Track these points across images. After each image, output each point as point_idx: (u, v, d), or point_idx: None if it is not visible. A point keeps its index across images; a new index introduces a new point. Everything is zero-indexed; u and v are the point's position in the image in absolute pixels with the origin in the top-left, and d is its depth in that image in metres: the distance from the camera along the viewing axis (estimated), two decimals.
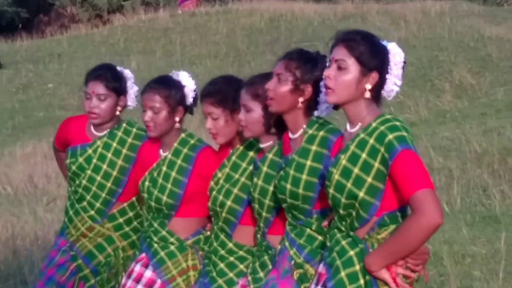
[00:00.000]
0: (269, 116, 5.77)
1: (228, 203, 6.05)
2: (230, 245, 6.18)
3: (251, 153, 6.17)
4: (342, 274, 4.94)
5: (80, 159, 6.65)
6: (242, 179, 6.09)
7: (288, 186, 5.40)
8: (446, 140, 20.70)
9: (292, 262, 5.49)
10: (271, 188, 5.78)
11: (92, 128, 6.69)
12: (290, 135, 5.56)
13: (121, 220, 6.85)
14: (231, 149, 6.29)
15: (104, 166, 6.65)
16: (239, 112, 5.93)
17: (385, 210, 4.88)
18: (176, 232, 6.42)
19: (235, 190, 6.06)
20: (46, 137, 21.81)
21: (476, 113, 23.72)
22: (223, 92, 6.26)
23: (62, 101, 15.08)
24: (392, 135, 4.76)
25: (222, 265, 6.25)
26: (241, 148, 6.17)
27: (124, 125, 6.71)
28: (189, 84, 6.58)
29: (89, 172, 6.69)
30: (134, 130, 6.72)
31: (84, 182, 6.65)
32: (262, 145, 5.92)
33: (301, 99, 5.38)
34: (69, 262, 6.74)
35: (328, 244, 5.20)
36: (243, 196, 5.98)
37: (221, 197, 6.12)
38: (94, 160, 6.64)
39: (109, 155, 6.68)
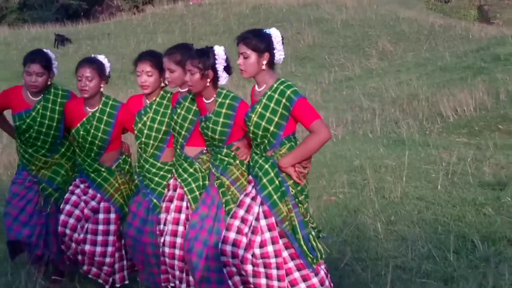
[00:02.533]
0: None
1: (160, 135, 6.18)
2: (159, 164, 6.26)
3: (165, 102, 6.27)
4: (264, 180, 5.40)
5: (28, 120, 6.48)
6: (165, 119, 6.20)
7: (210, 133, 5.74)
8: (372, 89, 21.01)
9: (215, 176, 5.82)
10: (185, 124, 6.01)
11: (29, 94, 6.56)
12: (205, 100, 5.85)
13: (63, 149, 6.77)
14: (147, 100, 6.34)
15: (46, 121, 6.54)
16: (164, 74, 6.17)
17: (284, 136, 5.45)
18: (104, 163, 6.45)
19: (163, 127, 6.18)
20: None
21: (393, 71, 24.14)
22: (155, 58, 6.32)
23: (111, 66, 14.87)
24: (289, 90, 5.33)
25: (156, 178, 6.22)
26: (158, 99, 6.26)
27: (52, 89, 6.66)
28: (105, 62, 6.48)
29: (36, 127, 6.52)
30: (60, 92, 6.69)
31: (34, 134, 6.54)
32: (181, 90, 6.15)
33: (208, 81, 5.70)
34: (35, 185, 6.66)
35: (250, 163, 5.62)
36: (168, 129, 6.15)
37: (154, 134, 6.22)
38: (39, 119, 6.50)
39: (48, 113, 6.57)
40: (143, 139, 6.24)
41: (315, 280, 5.36)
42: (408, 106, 17.16)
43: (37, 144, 6.55)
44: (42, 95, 6.54)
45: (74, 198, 6.36)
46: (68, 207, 6.32)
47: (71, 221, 6.25)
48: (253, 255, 5.34)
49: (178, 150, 6.10)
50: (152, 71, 6.17)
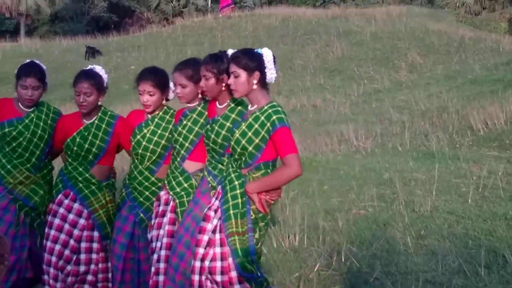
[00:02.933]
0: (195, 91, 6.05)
1: (158, 149, 6.21)
2: (153, 179, 6.29)
3: (167, 117, 6.30)
4: (229, 195, 5.44)
5: (20, 127, 6.39)
6: (166, 134, 6.24)
7: (213, 136, 5.74)
8: (401, 102, 20.88)
9: (209, 185, 5.79)
10: (190, 136, 6.01)
11: (20, 105, 6.47)
12: (218, 106, 5.90)
13: (45, 171, 6.74)
14: (148, 115, 6.36)
15: (39, 131, 6.48)
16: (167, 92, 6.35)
17: (262, 160, 5.44)
18: (96, 176, 6.40)
19: (163, 141, 6.22)
20: (130, 103, 21.81)
21: (422, 83, 23.93)
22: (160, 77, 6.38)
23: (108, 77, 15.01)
24: (275, 116, 5.29)
25: (147, 193, 6.28)
26: (161, 113, 6.30)
27: (45, 103, 6.64)
28: (103, 74, 6.52)
29: (28, 135, 6.43)
30: (52, 108, 6.67)
31: (24, 143, 6.45)
32: (189, 105, 6.16)
33: (223, 85, 5.74)
34: (11, 203, 6.45)
35: (224, 174, 5.66)
36: (168, 145, 6.19)
37: (151, 146, 6.25)
38: (32, 127, 6.45)
39: (41, 123, 6.51)
40: (140, 151, 6.27)
41: None
42: (438, 119, 17.02)
43: (25, 155, 6.46)
44: (35, 107, 6.50)
45: (57, 221, 6.29)
46: (53, 232, 6.28)
47: (57, 247, 6.23)
48: (202, 267, 5.43)
49: (176, 163, 6.11)
50: (153, 91, 6.20)
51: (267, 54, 5.40)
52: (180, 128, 6.10)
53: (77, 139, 6.29)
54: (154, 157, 6.26)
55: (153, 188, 6.31)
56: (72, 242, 6.25)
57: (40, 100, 6.53)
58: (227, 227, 5.35)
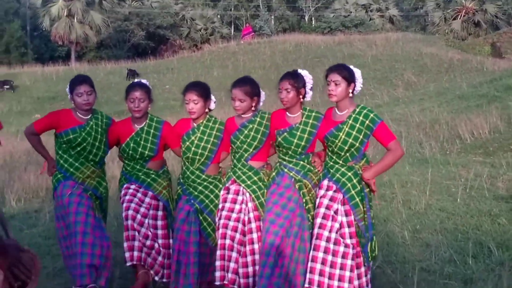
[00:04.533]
0: (251, 105, 6.07)
1: (206, 153, 6.15)
2: (203, 176, 6.26)
3: (210, 124, 6.23)
4: (349, 185, 5.57)
5: (83, 133, 6.39)
6: (211, 139, 6.18)
7: (295, 140, 5.79)
8: (398, 115, 20.54)
9: (293, 180, 5.82)
10: (254, 143, 5.99)
11: (79, 114, 6.45)
12: (289, 115, 5.93)
13: (104, 166, 6.83)
14: (194, 123, 6.30)
15: (98, 136, 6.47)
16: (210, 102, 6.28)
17: (364, 151, 5.71)
18: (152, 168, 6.44)
19: (209, 146, 6.14)
20: (165, 117, 21.21)
21: (417, 99, 23.87)
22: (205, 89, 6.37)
23: (174, 95, 14.71)
24: (372, 114, 5.60)
25: (200, 187, 6.23)
26: (205, 122, 6.22)
27: (99, 112, 6.64)
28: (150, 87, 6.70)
29: (91, 140, 6.42)
30: (104, 115, 6.66)
31: (88, 147, 6.42)
32: (244, 116, 6.11)
33: (300, 97, 5.84)
34: (83, 192, 6.40)
35: (331, 170, 5.70)
36: (213, 148, 6.15)
37: (200, 150, 6.18)
38: (93, 133, 6.44)
39: (99, 129, 6.49)
40: (190, 155, 6.20)
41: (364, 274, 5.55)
42: (431, 129, 17.00)
43: (89, 156, 6.45)
44: (91, 114, 6.49)
45: (128, 197, 6.28)
46: (131, 205, 6.24)
47: (138, 216, 6.20)
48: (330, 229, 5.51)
49: (243, 161, 6.06)
50: (197, 99, 6.14)
51: (357, 72, 5.78)
52: (242, 137, 6.05)
53: (131, 144, 6.33)
54: (202, 159, 6.21)
55: (205, 183, 6.26)
56: (139, 217, 6.22)
57: (93, 108, 6.53)
58: (357, 212, 5.53)
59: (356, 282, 5.46)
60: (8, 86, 34.05)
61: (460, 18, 49.23)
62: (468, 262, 6.54)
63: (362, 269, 5.51)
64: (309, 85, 5.91)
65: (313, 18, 63.99)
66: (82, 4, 46.58)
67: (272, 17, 64.53)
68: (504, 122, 15.86)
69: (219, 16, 61.23)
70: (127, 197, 6.28)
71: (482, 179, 10.38)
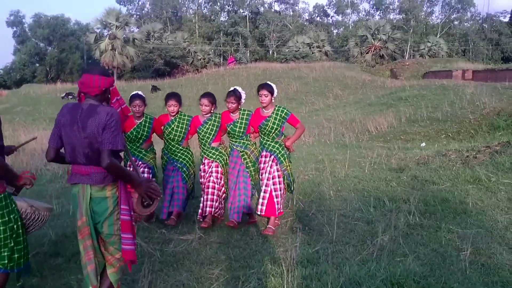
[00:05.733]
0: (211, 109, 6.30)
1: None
2: (180, 147, 6.46)
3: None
4: (277, 152, 6.10)
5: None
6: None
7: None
8: (329, 116, 20.62)
9: (239, 153, 6.22)
10: (208, 131, 6.26)
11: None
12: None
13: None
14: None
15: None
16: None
17: (282, 131, 6.17)
18: (143, 148, 6.41)
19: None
20: None
21: (341, 105, 24.07)
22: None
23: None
24: (286, 110, 6.10)
25: (179, 154, 6.47)
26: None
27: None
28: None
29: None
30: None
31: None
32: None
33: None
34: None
35: (265, 146, 6.11)
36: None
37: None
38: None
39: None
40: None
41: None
42: (350, 125, 17.13)
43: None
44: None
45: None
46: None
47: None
48: (267, 178, 6.08)
49: (207, 145, 6.33)
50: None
51: (274, 86, 6.16)
52: (204, 129, 6.32)
53: (134, 133, 6.28)
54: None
55: (181, 152, 6.49)
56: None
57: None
58: (282, 167, 6.10)
59: (280, 199, 6.14)
60: (71, 96, 33.70)
61: (371, 52, 49.55)
62: (370, 210, 6.61)
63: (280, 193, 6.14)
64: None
65: (274, 52, 63.75)
66: (121, 42, 46.03)
67: (248, 51, 64.22)
68: (397, 120, 16.12)
69: (212, 50, 60.79)
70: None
71: (381, 157, 10.47)
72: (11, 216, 3.75)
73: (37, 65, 62.29)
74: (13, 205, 3.82)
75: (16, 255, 3.76)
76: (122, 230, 3.67)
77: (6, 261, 3.71)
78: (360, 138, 14.97)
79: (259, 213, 6.07)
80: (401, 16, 67.72)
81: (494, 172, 7.97)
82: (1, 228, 3.68)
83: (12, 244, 3.74)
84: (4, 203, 3.71)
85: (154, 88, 35.02)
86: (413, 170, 8.87)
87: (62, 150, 3.76)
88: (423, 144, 12.99)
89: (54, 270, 4.86)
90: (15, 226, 3.76)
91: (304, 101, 27.83)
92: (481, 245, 5.12)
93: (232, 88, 6.33)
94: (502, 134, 13.06)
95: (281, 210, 6.24)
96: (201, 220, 6.23)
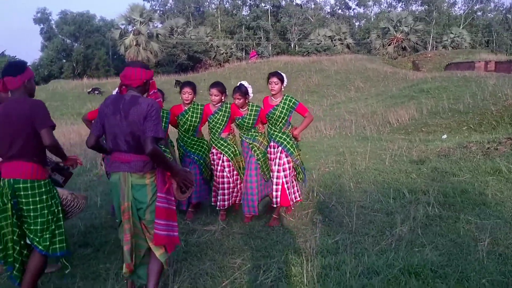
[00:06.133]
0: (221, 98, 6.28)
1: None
2: (195, 138, 6.46)
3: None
4: (285, 143, 6.09)
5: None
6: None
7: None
8: (351, 108, 20.45)
9: (249, 144, 6.21)
10: (219, 121, 6.24)
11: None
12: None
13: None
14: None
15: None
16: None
17: (289, 120, 6.16)
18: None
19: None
20: None
21: (363, 98, 23.79)
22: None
23: (205, 97, 14.76)
24: (294, 99, 6.10)
25: (195, 146, 6.47)
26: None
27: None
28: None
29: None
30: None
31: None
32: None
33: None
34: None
35: (272, 136, 6.12)
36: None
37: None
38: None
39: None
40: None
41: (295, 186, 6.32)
42: (371, 118, 17.02)
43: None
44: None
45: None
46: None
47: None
48: (278, 170, 6.12)
49: (217, 135, 6.30)
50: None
51: (285, 76, 6.17)
52: (216, 117, 6.28)
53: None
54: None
55: (197, 143, 6.48)
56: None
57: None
58: (293, 157, 6.10)
59: (296, 189, 6.30)
60: (97, 92, 34.08)
61: (392, 45, 48.92)
62: (390, 202, 6.62)
63: (296, 183, 6.32)
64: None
65: (296, 45, 63.58)
66: (145, 37, 46.31)
67: (270, 44, 64.19)
68: (418, 113, 15.96)
69: (235, 44, 60.75)
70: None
71: (402, 149, 10.42)
72: (53, 201, 3.95)
73: (64, 61, 62.98)
74: (55, 191, 4.02)
75: (57, 239, 3.93)
76: (156, 216, 3.83)
77: (48, 243, 3.87)
78: (381, 130, 14.88)
79: (274, 205, 6.15)
80: (423, 8, 66.91)
81: None
82: (45, 211, 3.86)
83: (53, 227, 3.91)
84: (48, 188, 3.90)
85: (178, 83, 35.03)
86: (433, 162, 8.83)
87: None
88: (445, 136, 12.89)
89: (84, 260, 5.03)
90: (56, 211, 3.95)
91: (325, 94, 27.76)
92: (499, 236, 5.10)
93: (238, 84, 6.32)
94: None
95: (299, 198, 6.38)
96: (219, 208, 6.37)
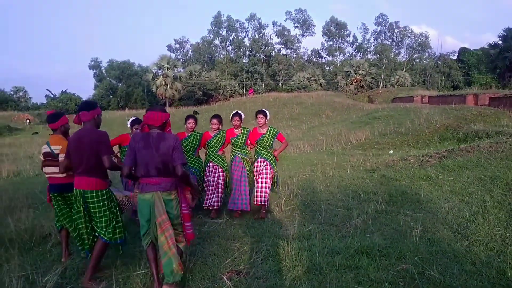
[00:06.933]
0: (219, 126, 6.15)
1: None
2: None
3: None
4: (269, 159, 6.03)
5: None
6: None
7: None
8: (322, 131, 19.98)
9: (242, 160, 6.08)
10: (216, 143, 6.11)
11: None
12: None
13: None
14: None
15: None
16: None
17: (271, 145, 6.09)
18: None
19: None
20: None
21: (332, 123, 23.16)
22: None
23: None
24: (276, 129, 6.07)
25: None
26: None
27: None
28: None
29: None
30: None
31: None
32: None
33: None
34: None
35: (260, 154, 6.03)
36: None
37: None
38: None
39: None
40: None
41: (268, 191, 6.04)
42: (337, 138, 16.81)
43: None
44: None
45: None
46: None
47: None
48: (262, 177, 5.95)
49: (214, 153, 6.15)
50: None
51: (268, 112, 6.10)
52: (213, 142, 6.15)
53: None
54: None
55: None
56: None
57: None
58: (274, 169, 6.01)
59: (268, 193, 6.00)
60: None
61: (353, 84, 48.85)
62: (349, 200, 6.59)
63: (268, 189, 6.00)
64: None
65: (283, 84, 63.51)
66: (171, 79, 46.36)
67: (263, 84, 64.18)
68: (372, 134, 15.78)
69: (237, 84, 60.60)
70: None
71: (360, 161, 10.34)
72: (112, 204, 4.03)
73: (111, 97, 63.04)
74: (113, 196, 4.11)
75: (117, 230, 4.00)
76: (184, 220, 3.90)
77: (111, 235, 3.96)
78: (344, 147, 14.79)
79: (255, 203, 6.03)
80: (376, 56, 67.26)
81: (441, 172, 7.88)
82: (107, 212, 3.95)
83: (114, 223, 3.99)
84: (108, 195, 3.99)
85: (195, 112, 35.09)
86: (382, 171, 8.79)
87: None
88: (391, 151, 12.83)
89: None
90: (114, 210, 4.03)
91: (304, 120, 27.54)
92: (429, 225, 5.12)
93: (235, 111, 6.26)
94: (449, 143, 12.83)
95: (266, 203, 6.13)
96: (208, 208, 6.19)
